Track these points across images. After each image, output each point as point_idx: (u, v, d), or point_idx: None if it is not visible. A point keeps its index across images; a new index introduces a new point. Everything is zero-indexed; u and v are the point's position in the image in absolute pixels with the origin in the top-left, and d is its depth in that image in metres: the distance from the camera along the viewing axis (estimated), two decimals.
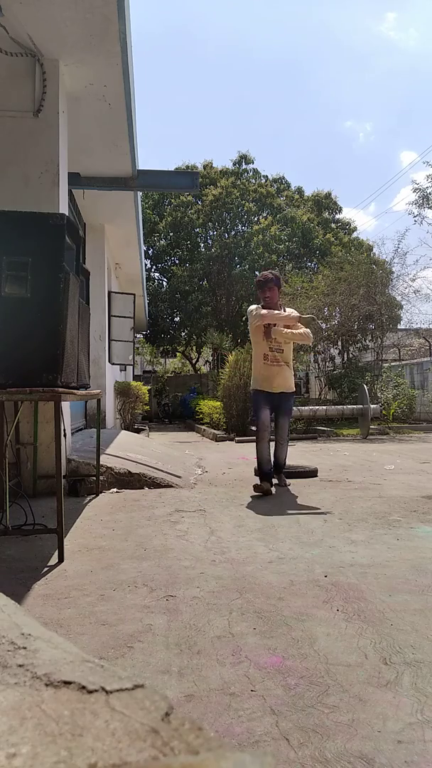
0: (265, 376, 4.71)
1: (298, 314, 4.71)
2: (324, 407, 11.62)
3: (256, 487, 4.51)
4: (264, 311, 4.63)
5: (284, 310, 4.79)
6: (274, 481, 4.76)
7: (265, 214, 20.47)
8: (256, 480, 4.75)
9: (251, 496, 4.37)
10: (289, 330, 4.68)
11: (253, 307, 4.80)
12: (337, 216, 21.91)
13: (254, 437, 4.89)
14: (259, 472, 4.70)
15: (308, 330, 4.71)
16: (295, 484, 4.94)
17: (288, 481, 4.90)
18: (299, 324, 4.71)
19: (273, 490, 4.56)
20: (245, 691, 1.46)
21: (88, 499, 4.33)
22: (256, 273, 18.57)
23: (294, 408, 11.92)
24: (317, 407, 11.58)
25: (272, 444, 4.87)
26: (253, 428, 4.99)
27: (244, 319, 18.45)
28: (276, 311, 4.67)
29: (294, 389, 4.96)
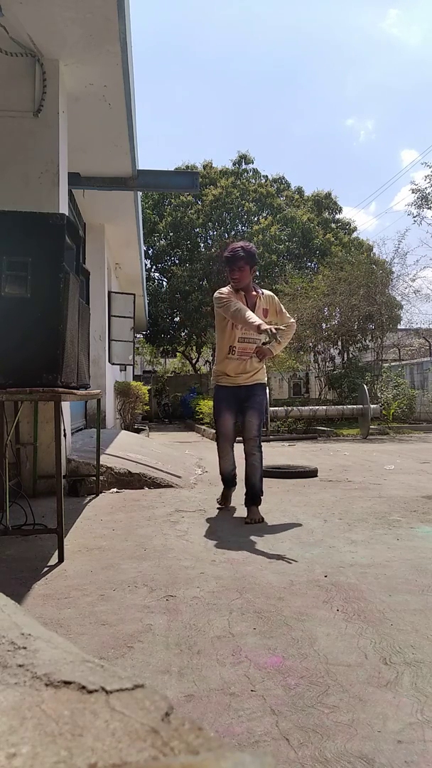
0: (230, 369, 3.81)
1: (259, 323, 3.41)
2: (324, 407, 11.62)
3: (220, 502, 4.01)
4: (230, 305, 3.62)
5: (260, 294, 3.82)
6: (258, 515, 3.60)
7: (265, 214, 20.47)
8: None
9: (217, 508, 3.93)
10: (285, 339, 3.79)
11: (223, 291, 3.80)
12: (337, 216, 21.92)
13: None
14: (222, 478, 4.03)
15: (291, 326, 3.91)
16: (295, 484, 4.94)
17: (261, 517, 3.57)
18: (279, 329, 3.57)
19: (235, 487, 3.96)
20: (245, 691, 1.46)
21: (88, 499, 4.33)
22: (256, 273, 18.57)
23: (294, 408, 12.02)
24: (317, 407, 11.59)
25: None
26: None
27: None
28: (246, 313, 3.53)
29: (265, 381, 3.97)
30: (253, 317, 3.50)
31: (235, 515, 3.71)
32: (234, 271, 3.74)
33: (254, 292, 3.81)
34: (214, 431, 11.15)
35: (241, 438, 3.80)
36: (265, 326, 3.37)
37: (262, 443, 3.92)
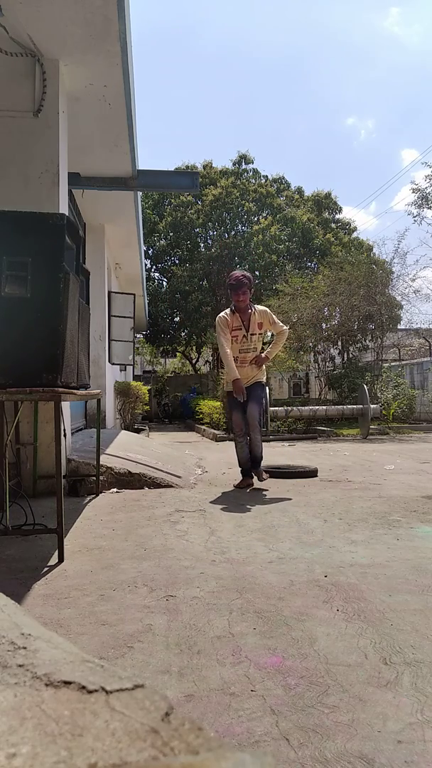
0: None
1: (233, 378, 4.73)
2: (324, 407, 11.62)
3: (237, 485, 4.83)
4: (222, 347, 4.75)
5: (254, 310, 4.82)
6: (263, 475, 4.92)
7: (265, 214, 20.48)
8: (257, 482, 4.91)
9: (234, 487, 4.77)
10: (277, 345, 4.97)
11: (222, 317, 4.82)
12: (337, 216, 21.94)
13: None
14: (240, 467, 4.99)
15: (283, 332, 4.91)
16: (295, 484, 4.94)
17: (265, 474, 4.91)
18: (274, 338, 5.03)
19: (254, 482, 4.86)
20: (245, 691, 1.46)
21: (88, 499, 4.33)
22: (257, 273, 18.58)
23: (294, 408, 12.03)
24: (317, 407, 11.58)
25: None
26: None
27: None
28: (228, 360, 4.72)
29: (263, 379, 5.02)
30: (231, 369, 4.73)
31: (235, 516, 3.71)
32: (239, 295, 4.72)
33: (249, 310, 4.79)
34: (214, 431, 11.19)
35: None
36: (235, 387, 4.70)
37: (262, 443, 4.92)
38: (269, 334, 5.15)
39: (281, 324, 4.95)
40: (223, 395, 10.58)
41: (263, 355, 4.81)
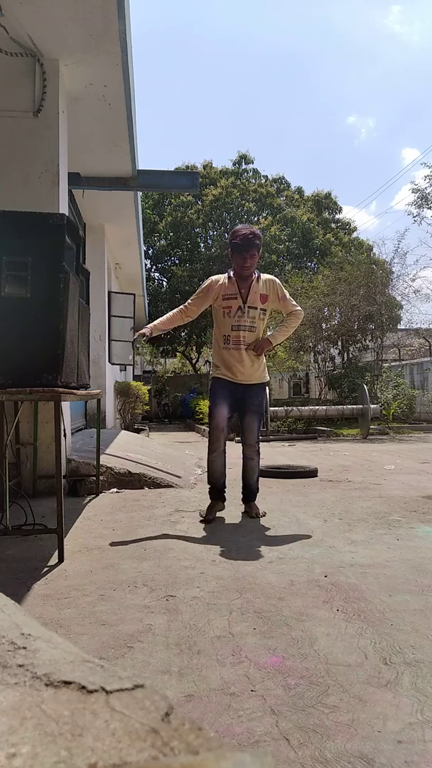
0: (225, 362, 3.57)
1: (140, 332, 3.55)
2: (324, 407, 11.62)
3: (203, 514, 3.58)
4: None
5: (257, 277, 3.56)
6: (259, 510, 3.66)
7: (265, 214, 20.49)
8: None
9: (200, 520, 3.52)
10: (288, 328, 3.65)
11: (216, 279, 3.64)
12: (337, 216, 21.95)
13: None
14: (210, 485, 3.66)
15: (296, 314, 3.62)
16: (295, 484, 4.94)
17: (262, 511, 3.66)
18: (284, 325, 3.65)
19: (224, 506, 3.70)
20: (245, 691, 1.46)
21: (88, 499, 4.33)
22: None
23: (294, 408, 12.01)
24: (317, 407, 11.59)
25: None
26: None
27: None
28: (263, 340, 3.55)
29: (266, 380, 3.73)
30: (160, 321, 3.63)
31: (235, 516, 3.71)
32: (245, 259, 3.46)
33: (252, 277, 3.54)
34: None
35: (232, 438, 3.82)
36: (140, 332, 3.52)
37: (262, 443, 3.91)
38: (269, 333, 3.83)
39: (294, 303, 3.65)
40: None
41: (266, 338, 3.58)
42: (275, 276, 3.84)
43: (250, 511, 3.66)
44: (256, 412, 3.63)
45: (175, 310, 3.66)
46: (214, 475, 3.64)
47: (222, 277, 3.61)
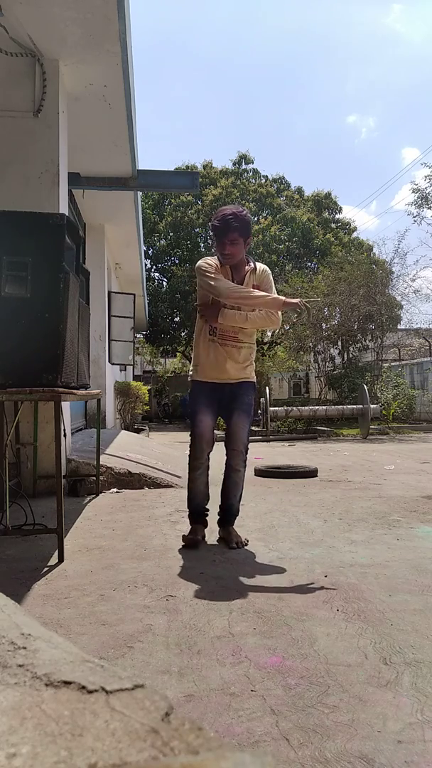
0: (210, 360, 2.98)
1: (283, 297, 2.85)
2: (324, 407, 11.62)
3: (184, 541, 2.98)
4: (221, 283, 2.83)
5: (253, 267, 3.00)
6: (240, 538, 2.99)
7: (265, 214, 20.49)
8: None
9: (183, 546, 2.95)
10: (248, 312, 2.91)
11: (209, 261, 2.97)
12: (337, 216, 21.94)
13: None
14: (189, 510, 3.13)
15: (271, 316, 2.95)
16: (295, 484, 4.94)
17: (245, 538, 3.01)
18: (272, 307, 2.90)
19: (205, 533, 3.10)
20: (245, 691, 1.46)
21: (88, 499, 4.32)
22: None
23: (294, 408, 12.02)
24: (317, 407, 11.59)
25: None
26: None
27: None
28: (238, 286, 2.87)
29: (254, 379, 3.16)
30: (259, 293, 2.80)
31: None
32: (225, 245, 2.86)
33: (247, 266, 2.99)
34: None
35: (217, 446, 3.21)
36: (291, 300, 2.75)
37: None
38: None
39: (277, 295, 2.93)
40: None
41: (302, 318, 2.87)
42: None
43: (229, 539, 2.97)
44: (246, 411, 3.05)
45: (225, 283, 2.86)
46: (195, 499, 3.10)
47: (213, 261, 2.98)
